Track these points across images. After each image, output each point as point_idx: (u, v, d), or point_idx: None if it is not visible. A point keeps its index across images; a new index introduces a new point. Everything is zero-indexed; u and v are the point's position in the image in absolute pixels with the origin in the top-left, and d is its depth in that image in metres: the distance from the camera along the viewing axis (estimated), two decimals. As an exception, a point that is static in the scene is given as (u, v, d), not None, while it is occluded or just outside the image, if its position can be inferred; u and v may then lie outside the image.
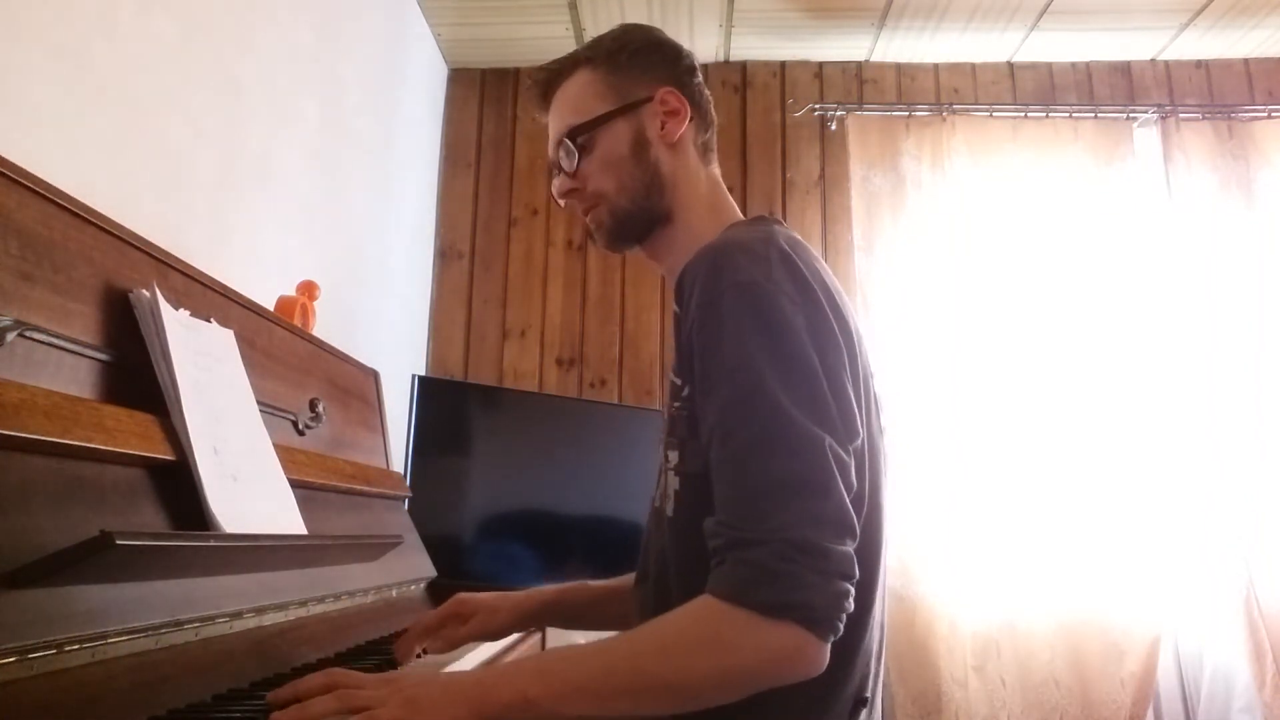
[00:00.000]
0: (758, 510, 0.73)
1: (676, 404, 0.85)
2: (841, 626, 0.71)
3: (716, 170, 1.06)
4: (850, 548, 0.73)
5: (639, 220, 1.00)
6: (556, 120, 1.03)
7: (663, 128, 0.99)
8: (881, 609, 0.90)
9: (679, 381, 0.85)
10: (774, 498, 0.72)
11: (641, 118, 0.99)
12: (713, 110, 1.06)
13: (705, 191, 1.02)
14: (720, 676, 0.71)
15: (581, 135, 0.99)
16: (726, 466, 0.76)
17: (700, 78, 1.05)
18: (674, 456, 0.86)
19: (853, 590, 0.72)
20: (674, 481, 0.86)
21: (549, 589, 1.11)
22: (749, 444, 0.75)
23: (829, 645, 0.71)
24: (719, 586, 0.72)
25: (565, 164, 1.01)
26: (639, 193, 0.99)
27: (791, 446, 0.74)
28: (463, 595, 1.07)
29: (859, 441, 0.81)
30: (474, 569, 2.14)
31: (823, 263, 0.92)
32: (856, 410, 0.81)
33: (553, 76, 1.04)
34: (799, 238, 0.92)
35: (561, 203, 1.05)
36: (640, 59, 1.01)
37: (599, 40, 1.03)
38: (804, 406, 0.75)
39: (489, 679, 0.75)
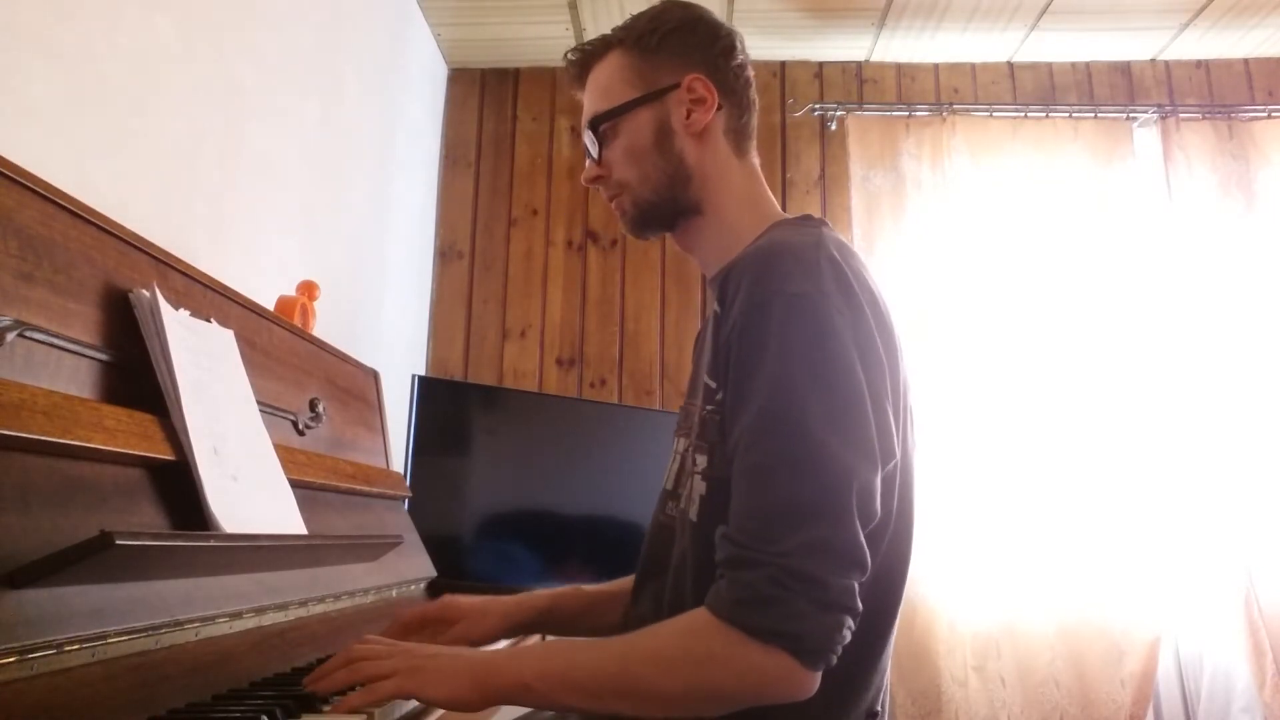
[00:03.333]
0: (765, 531, 0.71)
1: (709, 407, 0.83)
2: (834, 657, 0.71)
3: (754, 159, 1.01)
4: (854, 580, 0.71)
5: (663, 211, 0.97)
6: (587, 105, 1.00)
7: (688, 116, 0.95)
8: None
9: (713, 384, 0.83)
10: (784, 520, 0.71)
11: (667, 106, 0.95)
12: (752, 93, 1.00)
13: (739, 183, 0.98)
14: (703, 691, 0.71)
15: (605, 123, 0.96)
16: (745, 479, 0.75)
17: (740, 58, 0.99)
18: (702, 460, 0.84)
19: (851, 622, 0.71)
20: (700, 486, 0.84)
21: (541, 595, 1.07)
22: (771, 461, 0.73)
23: (818, 673, 0.71)
24: (715, 602, 0.72)
25: (591, 151, 0.98)
26: (663, 184, 0.95)
27: (815, 471, 0.72)
28: (449, 598, 1.03)
29: (894, 462, 0.79)
30: (474, 569, 2.14)
31: (868, 269, 0.89)
32: (894, 429, 0.79)
33: (588, 58, 1.01)
34: (846, 242, 0.89)
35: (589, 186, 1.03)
36: (671, 42, 0.96)
37: (635, 20, 0.99)
38: (838, 429, 0.73)
39: (496, 661, 0.76)
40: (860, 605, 0.72)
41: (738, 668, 0.70)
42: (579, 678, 0.74)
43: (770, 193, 1.01)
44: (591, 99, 0.99)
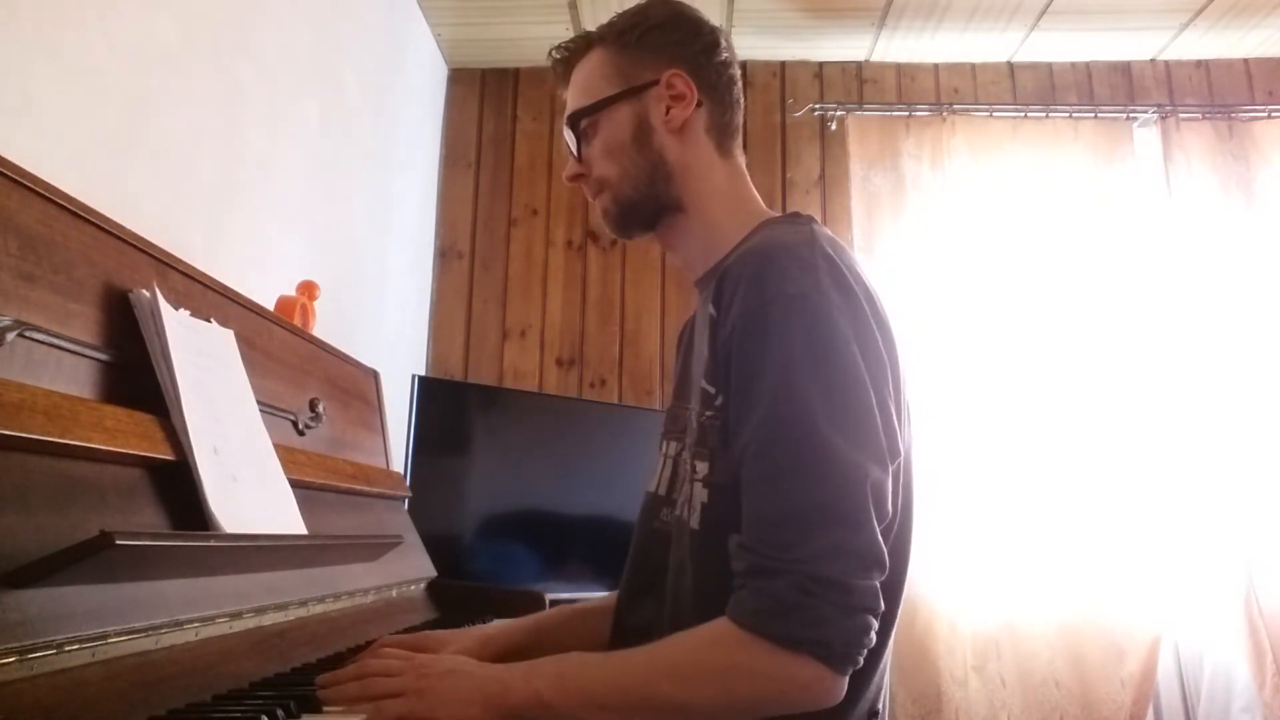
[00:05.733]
0: (784, 538, 0.71)
1: (709, 413, 0.82)
2: (861, 659, 0.70)
3: (739, 158, 0.99)
4: (877, 581, 0.71)
5: (644, 209, 0.96)
6: (569, 102, 0.99)
7: (667, 113, 0.94)
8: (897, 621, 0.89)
9: (712, 389, 0.82)
10: (802, 527, 0.71)
11: (646, 102, 0.94)
12: (737, 92, 0.99)
13: (722, 181, 0.96)
14: (732, 702, 0.71)
15: (584, 120, 0.96)
16: (757, 487, 0.74)
17: (724, 56, 0.97)
18: (702, 467, 0.83)
19: (876, 623, 0.71)
20: (701, 493, 0.83)
21: (525, 621, 1.05)
22: (783, 467, 0.73)
23: (846, 677, 0.70)
24: (738, 613, 0.71)
25: (571, 148, 0.98)
26: (642, 181, 0.94)
27: (827, 474, 0.72)
28: (428, 634, 1.01)
29: (899, 459, 0.79)
30: (474, 569, 2.14)
31: (860, 264, 0.88)
32: (897, 425, 0.79)
33: (570, 55, 1.01)
34: (836, 237, 0.88)
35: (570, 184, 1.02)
36: (651, 38, 0.96)
37: (620, 16, 0.99)
38: (847, 430, 0.73)
39: (509, 678, 0.75)
40: (883, 605, 0.72)
41: (768, 678, 0.69)
42: (599, 692, 0.73)
43: (756, 192, 1.00)
44: (573, 96, 0.99)
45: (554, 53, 1.02)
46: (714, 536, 0.79)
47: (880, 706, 0.86)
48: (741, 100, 1.00)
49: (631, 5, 1.02)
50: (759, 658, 0.69)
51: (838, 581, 0.69)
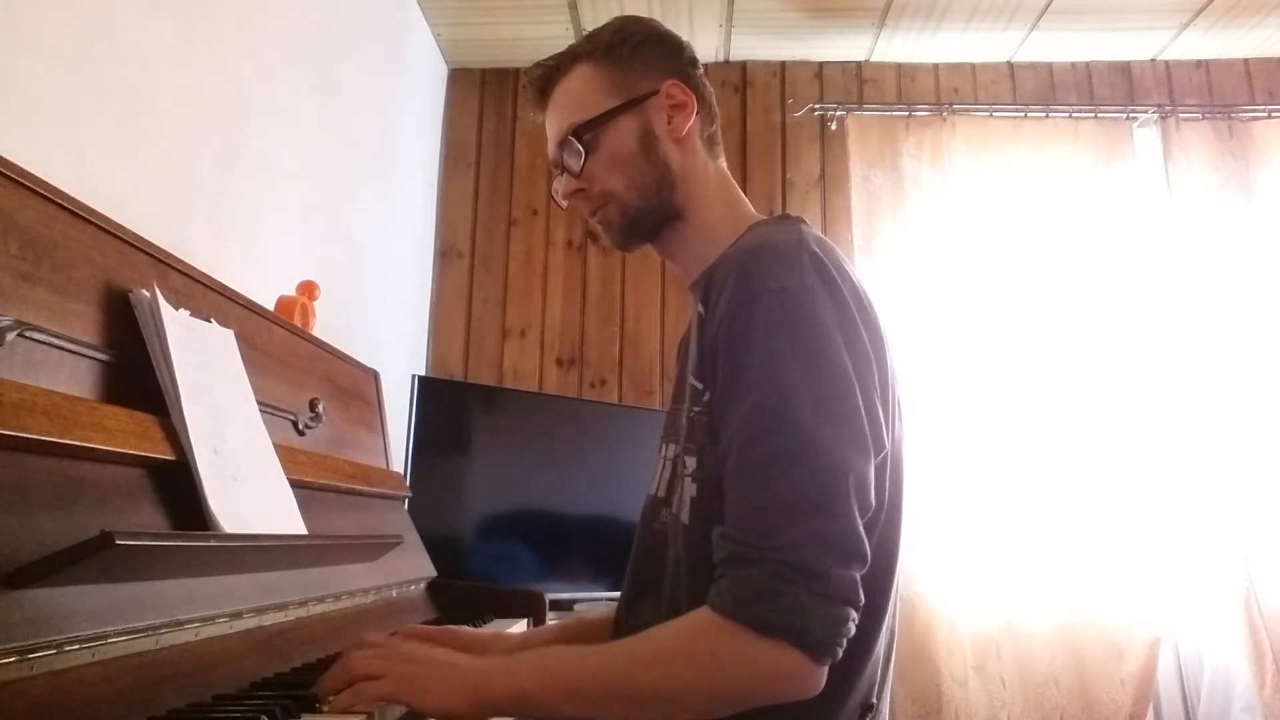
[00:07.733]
0: (763, 527, 0.72)
1: (697, 408, 0.83)
2: (840, 650, 0.71)
3: (724, 164, 1.03)
4: (856, 572, 0.72)
5: (650, 219, 0.97)
6: (557, 119, 0.98)
7: (669, 122, 0.95)
8: (893, 616, 0.89)
9: (700, 385, 0.83)
10: (782, 516, 0.71)
11: (648, 112, 0.95)
12: (715, 102, 1.03)
13: (716, 186, 0.99)
14: (712, 691, 0.71)
15: (586, 133, 0.95)
16: (740, 477, 0.75)
17: (702, 69, 1.02)
18: (691, 462, 0.84)
19: (854, 614, 0.71)
20: (691, 488, 0.84)
21: (545, 631, 1.05)
22: (766, 457, 0.74)
23: (826, 667, 0.71)
24: (717, 601, 0.72)
25: (570, 164, 0.96)
26: (650, 190, 0.95)
27: (808, 465, 0.72)
28: (453, 629, 1.02)
29: (884, 454, 0.80)
30: (474, 569, 2.14)
31: (849, 263, 0.89)
32: (883, 420, 0.80)
33: (550, 73, 0.99)
34: (825, 238, 0.90)
35: (564, 204, 1.00)
36: (642, 51, 0.97)
37: (597, 33, 0.99)
38: (831, 422, 0.74)
39: (491, 670, 0.75)
40: (863, 597, 0.72)
41: (745, 665, 0.70)
42: (580, 684, 0.73)
43: (744, 195, 1.02)
44: (563, 112, 0.97)
45: (532, 70, 1.01)
46: (703, 530, 0.80)
47: (875, 700, 0.86)
48: (719, 112, 1.04)
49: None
50: (738, 645, 0.69)
51: (816, 570, 0.69)
